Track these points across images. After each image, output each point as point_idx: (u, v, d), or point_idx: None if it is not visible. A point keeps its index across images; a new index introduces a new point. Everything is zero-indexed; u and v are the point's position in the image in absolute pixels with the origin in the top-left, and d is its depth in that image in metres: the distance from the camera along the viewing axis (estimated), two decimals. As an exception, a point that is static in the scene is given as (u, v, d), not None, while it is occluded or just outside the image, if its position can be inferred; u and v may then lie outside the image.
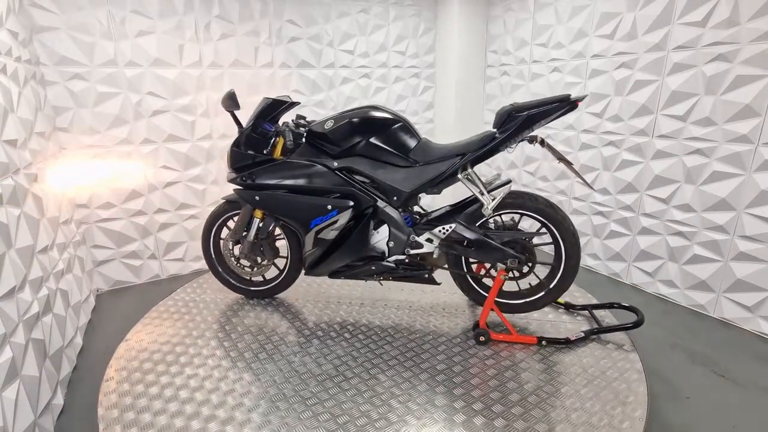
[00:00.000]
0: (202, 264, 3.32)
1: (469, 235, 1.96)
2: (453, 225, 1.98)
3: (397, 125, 2.03)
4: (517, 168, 3.78)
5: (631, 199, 2.85)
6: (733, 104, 2.26)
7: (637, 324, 1.96)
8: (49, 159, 2.34)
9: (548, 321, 2.16)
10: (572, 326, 2.09)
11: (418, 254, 2.08)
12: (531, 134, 1.84)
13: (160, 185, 3.05)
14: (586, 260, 3.25)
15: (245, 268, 2.42)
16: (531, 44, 3.40)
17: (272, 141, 2.22)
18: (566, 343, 1.94)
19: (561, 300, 2.24)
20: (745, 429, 1.71)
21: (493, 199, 1.87)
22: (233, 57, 3.10)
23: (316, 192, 2.14)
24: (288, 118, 3.08)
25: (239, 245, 2.36)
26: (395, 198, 2.03)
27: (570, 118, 3.17)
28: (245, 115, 2.33)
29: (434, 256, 2.08)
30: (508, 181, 1.94)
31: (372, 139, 2.02)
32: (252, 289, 2.51)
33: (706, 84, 2.36)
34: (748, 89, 2.20)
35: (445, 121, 4.03)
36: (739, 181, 2.31)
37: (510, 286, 2.14)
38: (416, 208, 2.18)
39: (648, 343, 2.27)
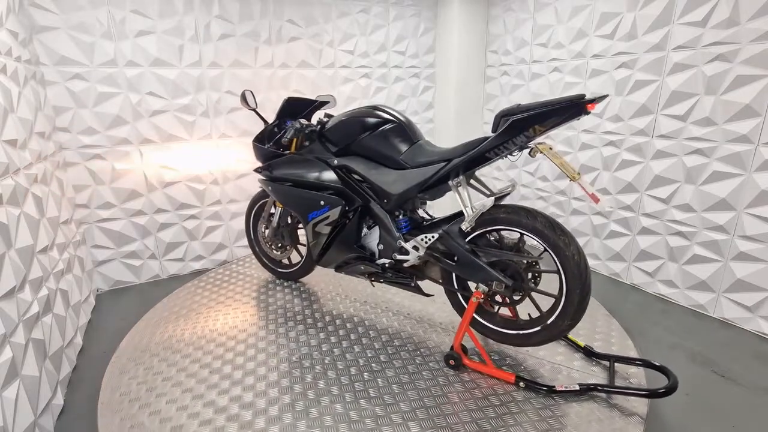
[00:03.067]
0: (202, 264, 3.32)
1: (453, 247, 1.79)
2: (436, 235, 1.82)
3: (388, 126, 1.98)
4: (517, 168, 3.78)
5: (631, 199, 2.85)
6: (733, 104, 2.26)
7: (667, 391, 1.55)
8: (49, 159, 2.34)
9: (552, 363, 1.88)
10: (578, 375, 1.79)
11: (404, 260, 1.96)
12: (534, 142, 1.60)
13: (160, 185, 3.05)
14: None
15: (274, 251, 2.68)
16: (531, 44, 3.40)
17: (277, 137, 2.40)
18: (550, 392, 1.66)
19: (581, 342, 1.95)
20: (745, 429, 1.71)
21: (473, 211, 1.72)
22: (233, 57, 3.10)
23: (314, 187, 2.20)
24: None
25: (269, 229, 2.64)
26: (385, 200, 1.97)
27: (570, 118, 3.17)
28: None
29: (415, 264, 1.96)
30: (502, 194, 1.77)
31: (364, 139, 2.03)
32: (279, 270, 2.77)
33: (706, 84, 2.36)
34: (748, 89, 2.20)
35: (445, 121, 4.03)
36: (739, 181, 2.31)
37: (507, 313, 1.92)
38: (422, 213, 2.09)
39: (648, 343, 2.27)
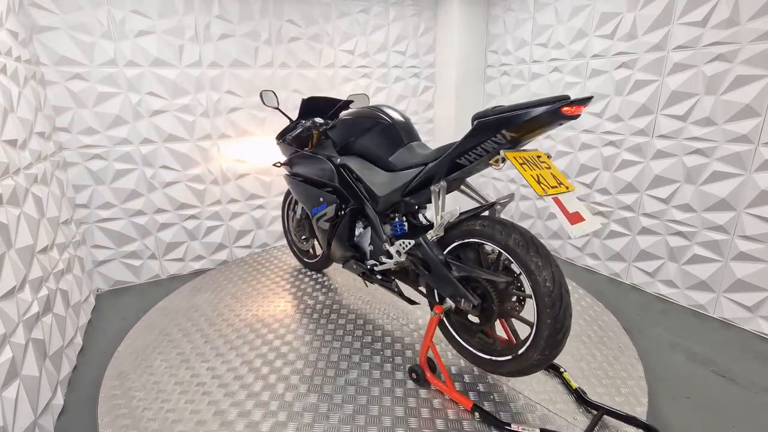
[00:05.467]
0: (202, 264, 3.32)
1: (427, 256, 1.68)
2: (412, 241, 1.73)
3: (381, 126, 1.94)
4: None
5: (631, 199, 2.85)
6: (733, 104, 2.26)
7: None
8: (49, 159, 2.34)
9: (529, 399, 1.68)
10: (554, 419, 1.59)
11: (387, 263, 1.90)
12: (515, 149, 1.42)
13: (160, 185, 3.05)
14: (586, 260, 3.25)
15: (298, 241, 2.89)
16: (531, 44, 3.40)
17: (288, 134, 2.52)
18: (504, 431, 1.51)
19: (574, 384, 1.72)
20: (745, 429, 1.71)
21: (441, 218, 1.62)
22: (233, 57, 3.10)
23: (318, 184, 2.24)
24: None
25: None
26: (375, 202, 1.93)
27: (570, 118, 3.16)
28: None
29: (404, 269, 1.90)
30: (486, 205, 1.63)
31: (359, 140, 2.03)
32: (305, 260, 2.95)
33: (706, 84, 2.36)
34: (748, 89, 2.20)
35: (445, 121, 4.03)
36: (739, 181, 2.31)
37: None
38: (422, 218, 2.05)
39: (648, 343, 2.27)
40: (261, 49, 3.19)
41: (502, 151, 1.41)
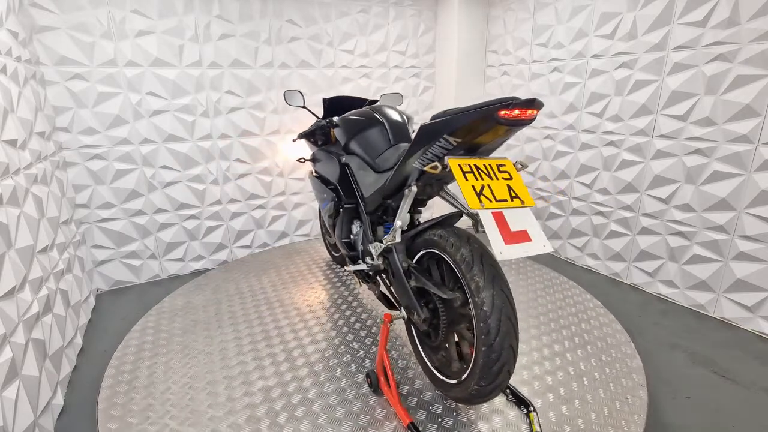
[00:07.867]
0: (202, 264, 3.32)
1: (392, 262, 1.59)
2: (382, 245, 1.67)
3: (373, 127, 1.93)
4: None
5: (631, 199, 2.85)
6: (733, 104, 2.26)
7: None
8: (49, 159, 2.34)
9: (480, 431, 1.52)
10: None
11: (364, 265, 1.87)
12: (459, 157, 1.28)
13: (160, 185, 3.05)
14: (586, 260, 3.25)
15: (327, 236, 2.98)
16: (531, 44, 3.40)
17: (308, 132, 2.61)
18: None
19: (536, 427, 1.52)
20: (745, 429, 1.71)
21: (398, 225, 1.55)
22: (233, 57, 3.10)
23: (325, 181, 2.28)
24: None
25: None
26: (365, 202, 1.92)
27: (570, 117, 3.17)
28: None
29: (375, 272, 1.86)
30: (451, 214, 1.54)
31: (355, 139, 2.02)
32: (332, 253, 3.00)
33: (706, 84, 2.36)
34: (748, 89, 2.20)
35: (445, 121, 4.02)
36: (739, 181, 2.31)
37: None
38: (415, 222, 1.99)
39: (648, 343, 2.27)
40: (261, 49, 3.19)
41: (446, 158, 1.27)
